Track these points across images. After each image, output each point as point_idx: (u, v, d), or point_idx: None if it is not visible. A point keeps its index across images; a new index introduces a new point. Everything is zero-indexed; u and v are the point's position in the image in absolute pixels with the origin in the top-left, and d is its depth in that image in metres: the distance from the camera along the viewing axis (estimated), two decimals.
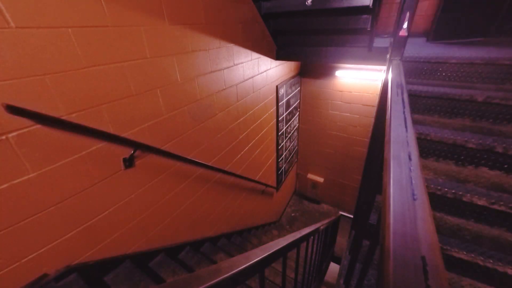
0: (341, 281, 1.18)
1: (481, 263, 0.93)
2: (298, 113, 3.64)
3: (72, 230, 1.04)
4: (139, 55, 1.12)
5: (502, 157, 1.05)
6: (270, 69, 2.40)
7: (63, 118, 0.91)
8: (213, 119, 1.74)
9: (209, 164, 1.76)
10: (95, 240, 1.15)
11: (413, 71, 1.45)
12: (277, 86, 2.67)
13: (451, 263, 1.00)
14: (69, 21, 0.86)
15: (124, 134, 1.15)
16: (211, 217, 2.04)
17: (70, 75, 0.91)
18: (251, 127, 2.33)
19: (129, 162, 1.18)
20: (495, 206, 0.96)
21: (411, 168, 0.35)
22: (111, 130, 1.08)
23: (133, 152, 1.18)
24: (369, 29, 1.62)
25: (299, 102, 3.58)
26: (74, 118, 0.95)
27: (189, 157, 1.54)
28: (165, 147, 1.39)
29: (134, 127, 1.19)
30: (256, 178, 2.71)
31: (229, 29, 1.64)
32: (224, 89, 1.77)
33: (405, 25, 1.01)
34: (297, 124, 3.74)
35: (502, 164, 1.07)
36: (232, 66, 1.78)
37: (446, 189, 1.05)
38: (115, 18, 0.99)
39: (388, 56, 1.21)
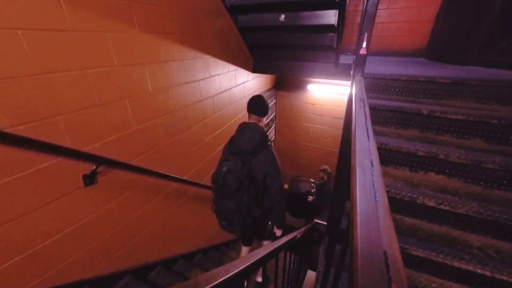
0: (318, 287, 1.20)
1: (433, 258, 1.04)
2: (274, 125, 3.76)
3: (13, 257, 0.89)
4: (105, 63, 1.06)
5: (444, 163, 1.23)
6: (247, 81, 2.47)
7: (6, 130, 0.79)
8: (189, 132, 1.70)
9: (184, 178, 1.68)
10: (44, 267, 0.99)
11: (373, 86, 1.64)
12: None
13: (411, 261, 1.11)
14: (19, 22, 0.78)
15: (85, 148, 1.04)
16: (186, 233, 1.92)
17: (17, 82, 0.80)
18: None
19: (90, 179, 1.07)
20: (442, 206, 1.10)
21: (373, 173, 0.40)
22: (68, 144, 0.98)
23: (95, 168, 1.07)
24: (335, 46, 1.80)
25: (275, 114, 3.72)
26: (21, 130, 0.83)
27: (161, 172, 1.45)
28: (134, 162, 1.30)
29: (98, 140, 1.09)
30: None
31: (205, 40, 1.66)
32: (200, 100, 1.76)
33: (364, 44, 1.14)
34: (274, 136, 3.85)
35: (445, 169, 1.25)
36: (208, 77, 1.79)
37: (403, 193, 1.18)
38: (77, 22, 0.93)
39: (351, 72, 1.36)
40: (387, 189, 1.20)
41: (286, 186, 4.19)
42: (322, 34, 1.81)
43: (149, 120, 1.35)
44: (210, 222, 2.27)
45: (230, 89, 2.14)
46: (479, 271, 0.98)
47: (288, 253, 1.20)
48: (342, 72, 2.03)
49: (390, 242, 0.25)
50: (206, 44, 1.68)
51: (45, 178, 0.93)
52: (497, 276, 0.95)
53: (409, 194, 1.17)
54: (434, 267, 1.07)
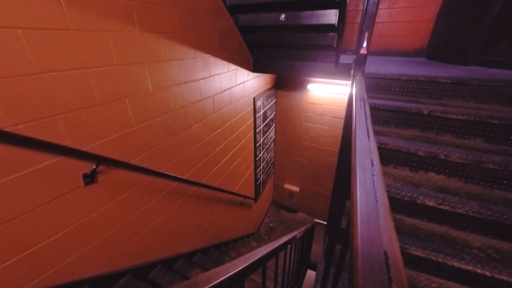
0: (318, 287, 1.20)
1: (433, 258, 1.04)
2: (274, 124, 3.76)
3: (13, 256, 0.89)
4: (105, 62, 1.06)
5: (444, 163, 1.23)
6: (247, 81, 2.47)
7: (6, 129, 0.79)
8: (189, 131, 1.70)
9: (184, 177, 1.68)
10: (44, 266, 0.99)
11: (374, 86, 1.64)
12: (254, 98, 2.74)
13: (411, 261, 1.11)
14: (19, 21, 0.78)
15: (85, 148, 1.04)
16: (186, 232, 1.92)
17: (17, 81, 0.80)
18: (229, 139, 2.33)
19: (90, 178, 1.07)
20: (442, 206, 1.10)
21: (374, 173, 0.40)
22: (68, 143, 0.98)
23: (96, 167, 1.07)
24: (335, 46, 1.80)
25: (275, 114, 3.72)
26: (21, 129, 0.83)
27: (161, 171, 1.45)
28: (134, 161, 1.30)
29: (98, 139, 1.09)
30: (235, 190, 2.66)
31: (205, 40, 1.66)
32: (200, 100, 1.75)
33: (364, 44, 1.14)
34: (274, 136, 3.85)
35: (445, 169, 1.25)
36: (208, 77, 1.78)
37: (403, 193, 1.18)
38: (78, 21, 0.93)
39: (352, 71, 1.36)
40: (387, 189, 1.19)
41: (286, 185, 4.19)
42: (323, 33, 1.81)
43: (149, 119, 1.35)
44: (210, 221, 2.27)
45: (230, 88, 2.14)
46: (479, 271, 0.98)
47: (287, 252, 1.20)
48: (342, 71, 2.03)
49: (390, 242, 0.25)
50: (206, 43, 1.68)
51: (45, 177, 0.93)
52: (497, 276, 0.95)
53: (409, 194, 1.17)
54: (434, 267, 1.07)
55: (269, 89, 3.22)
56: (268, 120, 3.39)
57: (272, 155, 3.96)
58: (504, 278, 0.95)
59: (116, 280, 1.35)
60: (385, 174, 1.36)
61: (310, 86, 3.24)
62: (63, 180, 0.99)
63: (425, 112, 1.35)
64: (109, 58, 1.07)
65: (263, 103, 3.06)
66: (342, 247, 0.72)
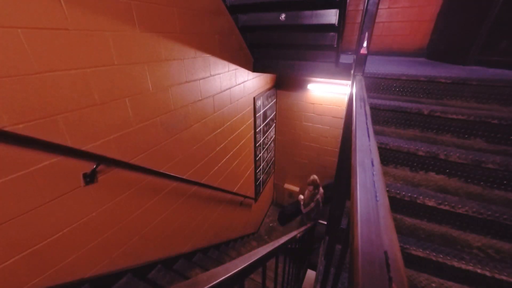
0: (318, 287, 1.20)
1: (433, 258, 1.04)
2: (274, 124, 3.76)
3: (13, 256, 0.89)
4: (105, 62, 1.06)
5: (444, 163, 1.23)
6: (247, 80, 2.47)
7: (6, 129, 0.80)
8: (189, 131, 1.70)
9: (184, 177, 1.68)
10: (44, 266, 0.99)
11: (374, 86, 1.64)
12: (254, 98, 2.74)
13: (411, 261, 1.11)
14: (19, 21, 0.78)
15: (85, 147, 1.04)
16: (186, 232, 1.92)
17: (17, 80, 0.81)
18: (229, 139, 2.33)
19: (90, 178, 1.07)
20: (442, 206, 1.10)
21: (374, 173, 0.40)
22: (68, 143, 0.98)
23: (96, 167, 1.07)
24: (335, 45, 1.80)
25: (275, 113, 3.72)
26: (21, 129, 0.83)
27: (161, 171, 1.45)
28: (134, 161, 1.30)
29: (98, 139, 1.09)
30: (234, 190, 2.67)
31: (206, 40, 1.66)
32: (200, 99, 1.75)
33: (364, 44, 1.14)
34: (274, 135, 3.85)
35: (445, 169, 1.25)
36: (208, 76, 1.78)
37: (403, 193, 1.18)
38: (78, 21, 0.93)
39: (352, 71, 1.36)
40: (387, 189, 1.19)
41: (286, 185, 4.19)
42: (323, 33, 1.81)
43: (149, 119, 1.35)
44: (210, 221, 2.27)
45: (230, 88, 2.14)
46: (479, 271, 0.98)
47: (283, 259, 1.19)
48: (342, 71, 2.03)
49: (390, 242, 0.25)
50: (207, 43, 1.68)
51: (45, 177, 0.93)
52: (497, 276, 0.95)
53: (409, 194, 1.17)
54: (434, 267, 1.07)
55: (269, 89, 3.22)
56: (268, 120, 3.39)
57: (272, 155, 3.95)
58: (504, 278, 0.95)
59: (116, 280, 1.35)
60: (385, 174, 1.36)
61: (310, 86, 3.24)
62: (63, 179, 0.99)
63: (425, 112, 1.35)
64: (109, 57, 1.07)
65: (263, 103, 3.06)
66: (342, 247, 0.72)
